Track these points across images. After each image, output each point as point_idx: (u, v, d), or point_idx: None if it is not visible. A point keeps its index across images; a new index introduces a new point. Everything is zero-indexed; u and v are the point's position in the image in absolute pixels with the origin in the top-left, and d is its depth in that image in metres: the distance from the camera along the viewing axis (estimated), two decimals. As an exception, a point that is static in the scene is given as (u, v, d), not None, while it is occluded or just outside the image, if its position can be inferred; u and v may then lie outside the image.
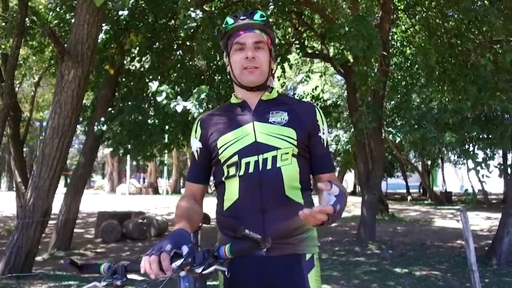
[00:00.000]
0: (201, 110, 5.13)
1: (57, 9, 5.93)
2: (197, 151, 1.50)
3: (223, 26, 1.48)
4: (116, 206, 15.65)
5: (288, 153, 1.39)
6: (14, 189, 11.20)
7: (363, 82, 6.45)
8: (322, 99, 9.51)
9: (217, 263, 1.17)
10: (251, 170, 1.36)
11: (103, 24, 5.05)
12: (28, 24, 6.22)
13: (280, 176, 1.37)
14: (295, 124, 1.42)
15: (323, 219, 1.12)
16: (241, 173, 1.37)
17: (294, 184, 1.39)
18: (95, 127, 6.04)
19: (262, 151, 1.37)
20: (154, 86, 4.83)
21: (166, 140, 6.24)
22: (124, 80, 6.88)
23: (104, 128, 5.94)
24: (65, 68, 4.58)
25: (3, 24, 6.37)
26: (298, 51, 8.92)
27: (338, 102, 12.19)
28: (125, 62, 6.95)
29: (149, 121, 5.67)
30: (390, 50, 8.20)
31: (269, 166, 1.36)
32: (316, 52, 9.25)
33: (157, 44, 6.24)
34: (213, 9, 7.50)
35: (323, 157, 1.48)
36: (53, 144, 4.94)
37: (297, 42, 8.95)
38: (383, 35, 6.53)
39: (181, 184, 30.79)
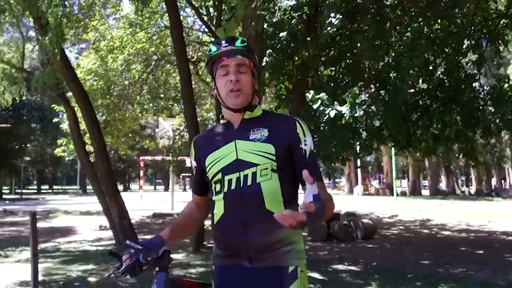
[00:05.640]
0: (357, 114, 5.04)
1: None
2: (193, 169, 1.69)
3: (207, 52, 1.63)
4: (341, 206, 16.33)
5: (267, 168, 1.46)
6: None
7: None
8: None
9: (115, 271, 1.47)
10: (233, 186, 1.47)
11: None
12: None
13: (259, 191, 1.45)
14: (275, 139, 1.49)
15: (302, 219, 1.10)
16: (225, 189, 1.49)
17: (275, 198, 1.46)
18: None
19: (243, 168, 1.47)
20: (309, 95, 5.10)
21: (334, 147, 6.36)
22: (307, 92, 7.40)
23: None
24: (237, 92, 5.44)
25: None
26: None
27: None
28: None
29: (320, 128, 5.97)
30: None
31: (249, 182, 1.46)
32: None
33: (330, 53, 6.44)
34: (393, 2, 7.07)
35: (306, 167, 1.43)
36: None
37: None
38: None
39: (421, 185, 28.87)
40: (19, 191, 38.45)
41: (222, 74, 1.53)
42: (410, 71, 5.30)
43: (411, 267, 6.15)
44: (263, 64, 5.51)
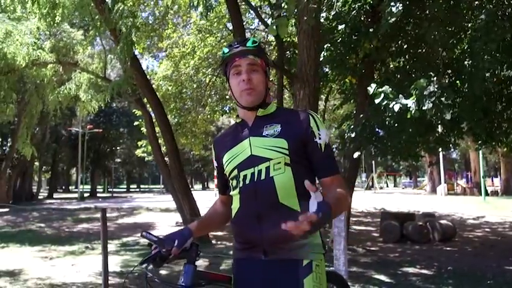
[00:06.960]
0: (425, 107, 4.71)
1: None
2: (215, 169, 1.77)
3: (221, 54, 1.69)
4: (419, 206, 15.35)
5: (280, 162, 1.50)
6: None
7: None
8: None
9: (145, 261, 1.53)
10: (248, 181, 1.53)
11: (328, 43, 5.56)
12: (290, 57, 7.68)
13: (272, 184, 1.48)
14: (287, 134, 1.52)
15: (305, 229, 1.14)
16: (241, 184, 1.55)
17: (289, 192, 1.48)
18: (346, 133, 6.57)
19: (257, 163, 1.52)
20: (371, 89, 4.87)
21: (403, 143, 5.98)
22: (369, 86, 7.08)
23: (353, 134, 6.36)
24: (296, 89, 5.42)
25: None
26: None
27: None
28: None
29: (386, 123, 5.67)
30: None
31: (263, 176, 1.50)
32: None
33: (399, 42, 6.06)
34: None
35: (320, 161, 1.54)
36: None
37: None
38: None
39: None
40: (111, 189, 42.23)
41: (234, 73, 1.57)
42: (485, 57, 4.80)
43: (492, 272, 5.59)
44: (320, 59, 5.39)
